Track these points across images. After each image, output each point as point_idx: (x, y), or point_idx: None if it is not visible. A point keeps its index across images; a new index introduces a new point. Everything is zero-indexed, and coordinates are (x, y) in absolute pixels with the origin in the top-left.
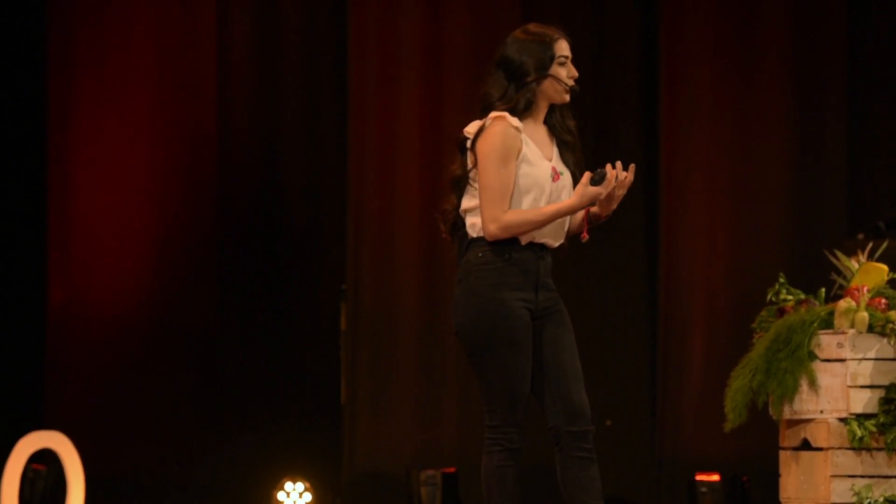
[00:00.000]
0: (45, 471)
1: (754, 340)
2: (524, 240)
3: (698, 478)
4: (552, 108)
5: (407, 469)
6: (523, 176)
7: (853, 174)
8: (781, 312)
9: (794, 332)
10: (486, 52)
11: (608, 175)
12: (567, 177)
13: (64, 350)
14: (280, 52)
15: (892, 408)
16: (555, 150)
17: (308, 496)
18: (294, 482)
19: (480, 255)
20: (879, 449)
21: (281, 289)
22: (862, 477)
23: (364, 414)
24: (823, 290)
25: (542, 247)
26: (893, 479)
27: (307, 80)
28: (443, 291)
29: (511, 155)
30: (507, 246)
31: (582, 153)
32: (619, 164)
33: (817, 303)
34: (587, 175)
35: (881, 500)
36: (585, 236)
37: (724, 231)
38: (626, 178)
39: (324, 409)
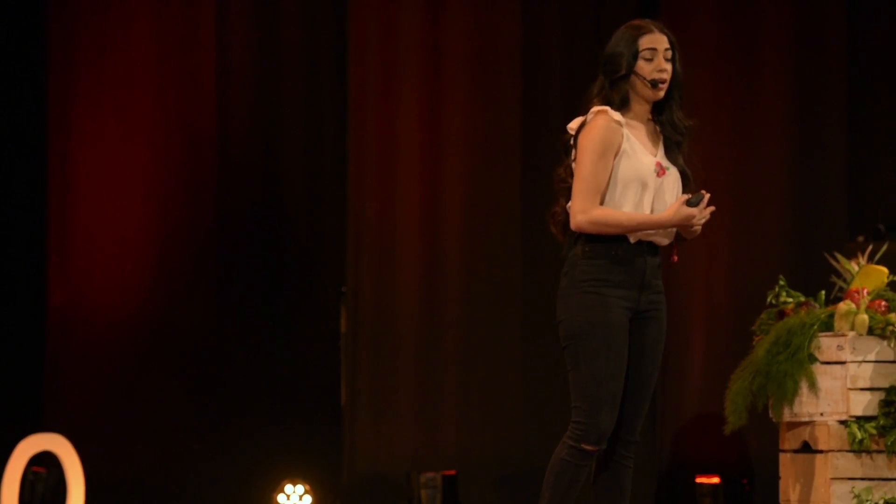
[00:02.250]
0: (45, 473)
1: (754, 343)
2: (633, 238)
3: (698, 480)
4: (660, 104)
5: (407, 471)
6: (624, 169)
7: (853, 176)
8: (781, 315)
9: (794, 335)
10: (486, 53)
11: (704, 199)
12: (674, 173)
13: (64, 353)
14: (280, 53)
15: (892, 410)
16: (661, 147)
17: (308, 498)
18: (294, 484)
19: (587, 249)
20: (879, 451)
21: (281, 291)
22: (862, 479)
23: (364, 416)
24: (823, 292)
25: (651, 245)
26: (893, 482)
27: (307, 81)
28: (443, 293)
29: (609, 149)
30: (614, 242)
31: (690, 153)
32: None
33: (817, 305)
34: (684, 196)
35: (881, 502)
36: (675, 258)
37: (723, 233)
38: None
39: (324, 412)
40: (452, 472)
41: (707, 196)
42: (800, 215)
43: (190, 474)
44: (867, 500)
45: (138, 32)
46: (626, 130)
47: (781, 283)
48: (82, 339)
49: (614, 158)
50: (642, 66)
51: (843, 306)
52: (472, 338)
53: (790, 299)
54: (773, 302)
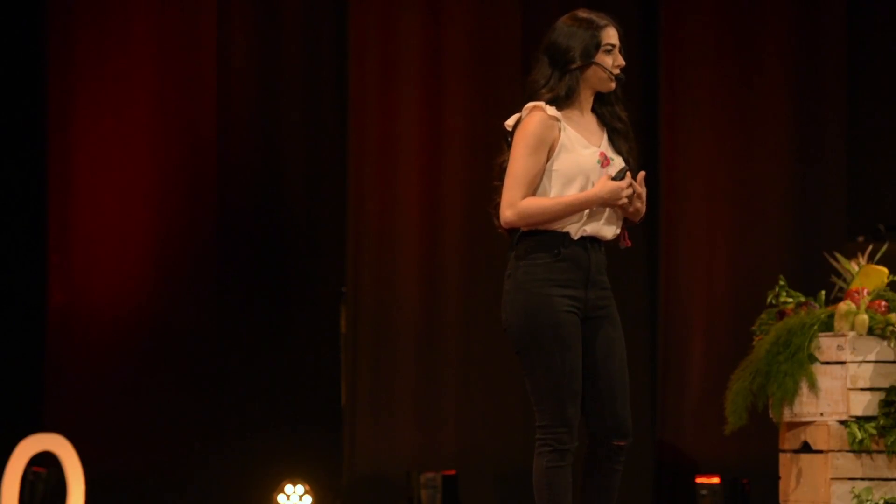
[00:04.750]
0: (45, 473)
1: (754, 343)
2: (575, 233)
3: (698, 480)
4: (601, 96)
5: (407, 471)
6: (564, 164)
7: (853, 176)
8: (781, 315)
9: (795, 335)
10: (486, 54)
11: (627, 173)
12: (619, 163)
13: (64, 353)
14: (280, 53)
15: (892, 410)
16: (605, 138)
17: (308, 499)
18: (294, 485)
19: (529, 250)
20: (880, 451)
21: (281, 291)
22: (862, 479)
23: (364, 416)
24: (823, 292)
25: (594, 240)
26: (893, 482)
27: (307, 81)
28: (443, 294)
29: (542, 144)
30: (556, 239)
31: (636, 142)
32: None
33: (817, 305)
34: (609, 174)
35: (881, 502)
36: (628, 243)
37: (723, 233)
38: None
39: (324, 412)
40: (452, 472)
41: (631, 172)
42: (800, 215)
43: (190, 474)
44: (867, 500)
45: (138, 32)
46: (563, 124)
47: (781, 283)
48: (82, 339)
49: (551, 154)
50: (604, 59)
51: (843, 306)
52: (472, 338)
53: (790, 299)
54: (773, 302)
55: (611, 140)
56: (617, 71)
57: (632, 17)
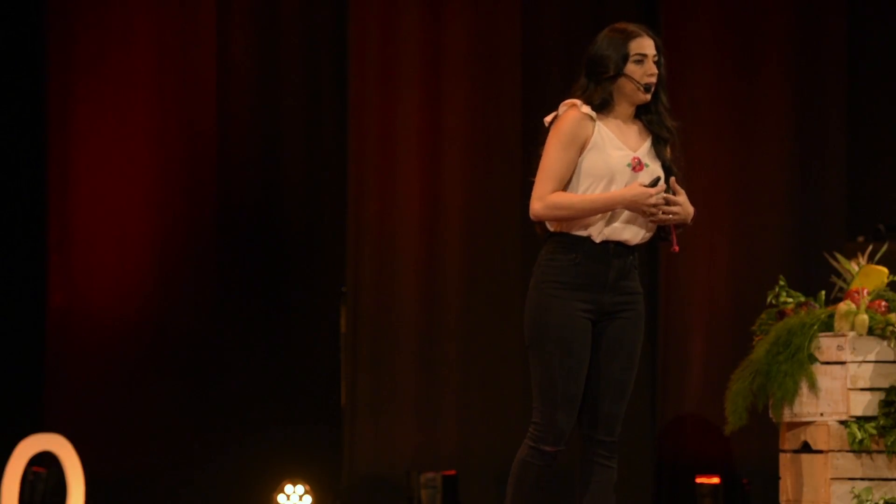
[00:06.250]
0: (45, 473)
1: (754, 343)
2: (597, 237)
3: (699, 480)
4: (645, 106)
5: (407, 471)
6: (593, 162)
7: (853, 177)
8: (781, 315)
9: (794, 335)
10: (486, 54)
11: (660, 181)
12: (655, 170)
13: (64, 353)
14: (280, 53)
15: (892, 410)
16: (646, 145)
17: (308, 499)
18: (294, 485)
19: (551, 251)
20: (879, 451)
21: (281, 291)
22: (862, 479)
23: (364, 416)
24: (823, 292)
25: (620, 245)
26: (893, 482)
27: (307, 81)
28: (443, 294)
29: (574, 140)
30: (578, 243)
31: (682, 153)
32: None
33: (817, 305)
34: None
35: (881, 502)
36: (675, 248)
37: (723, 233)
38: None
39: (324, 412)
40: (452, 472)
41: (663, 181)
42: (800, 215)
43: (190, 474)
44: (867, 500)
45: (138, 32)
46: (599, 124)
47: (781, 283)
48: (82, 339)
49: (582, 151)
50: (633, 70)
51: (843, 306)
52: (472, 338)
53: (790, 299)
54: (773, 302)
55: (655, 148)
56: (647, 80)
57: (632, 17)
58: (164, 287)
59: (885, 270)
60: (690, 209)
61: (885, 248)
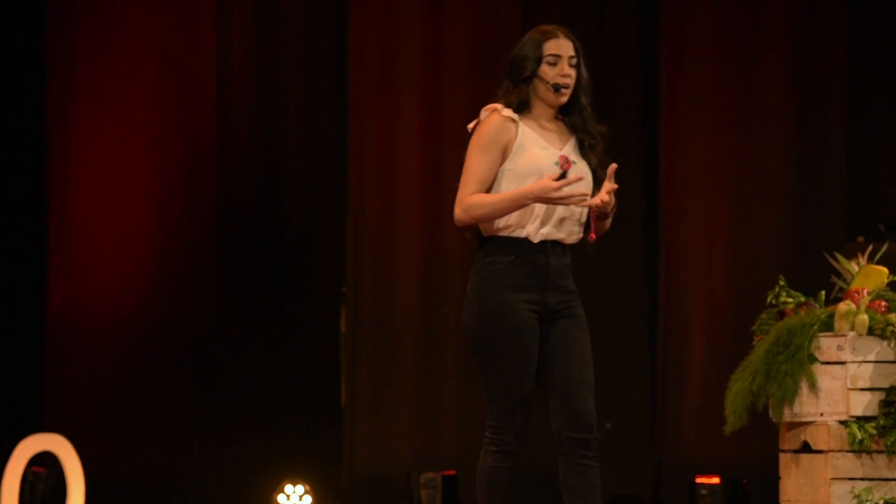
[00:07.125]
0: (45, 473)
1: (754, 343)
2: (535, 237)
3: (698, 480)
4: (568, 107)
5: (407, 471)
6: (520, 163)
7: (853, 177)
8: (781, 315)
9: (794, 335)
10: (486, 55)
11: (567, 174)
12: (582, 168)
13: (64, 353)
14: (280, 54)
15: (893, 410)
16: (570, 145)
17: (308, 499)
18: (294, 485)
19: (489, 254)
20: (880, 451)
21: (281, 291)
22: (862, 480)
23: (364, 416)
24: (823, 292)
25: (556, 244)
26: (893, 482)
27: (307, 82)
28: (443, 294)
29: (494, 144)
30: (516, 244)
31: (607, 155)
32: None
33: (817, 305)
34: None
35: (881, 502)
36: (592, 237)
37: (724, 234)
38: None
39: (324, 412)
40: (452, 472)
41: (598, 182)
42: (800, 215)
43: (190, 474)
44: (867, 501)
45: (138, 33)
46: (522, 126)
47: (781, 283)
48: (82, 339)
49: (506, 154)
50: (546, 71)
51: (843, 306)
52: None
53: (790, 299)
54: (773, 302)
55: (580, 149)
56: (557, 80)
57: (632, 17)
58: (164, 287)
59: (885, 270)
60: (613, 199)
61: (885, 248)
